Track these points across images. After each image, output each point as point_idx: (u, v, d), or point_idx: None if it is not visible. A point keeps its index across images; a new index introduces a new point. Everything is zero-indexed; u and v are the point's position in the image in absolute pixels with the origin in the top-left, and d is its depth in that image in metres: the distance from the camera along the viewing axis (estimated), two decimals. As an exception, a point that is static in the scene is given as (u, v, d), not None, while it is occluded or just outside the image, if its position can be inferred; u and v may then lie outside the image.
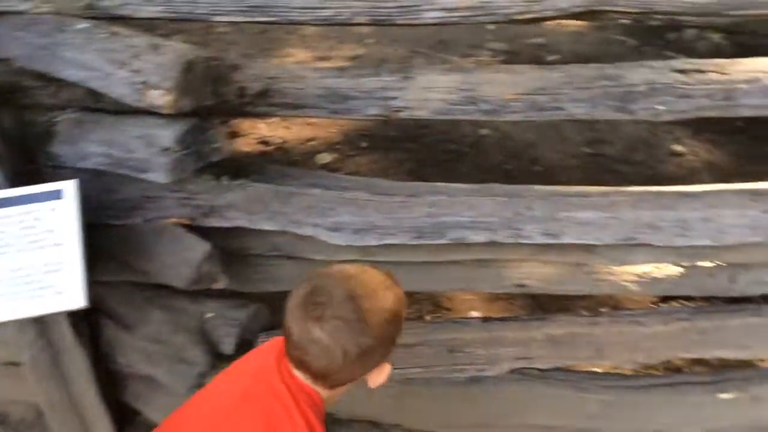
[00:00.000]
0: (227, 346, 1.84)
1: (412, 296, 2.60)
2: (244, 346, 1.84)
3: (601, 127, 3.79)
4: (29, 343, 1.79)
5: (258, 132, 3.88)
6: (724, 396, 1.96)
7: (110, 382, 2.04)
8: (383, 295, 1.17)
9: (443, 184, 1.82)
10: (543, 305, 2.56)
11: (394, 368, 1.95)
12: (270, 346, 1.31)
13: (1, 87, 1.74)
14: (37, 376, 1.88)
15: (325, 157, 3.62)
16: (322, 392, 1.19)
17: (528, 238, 1.73)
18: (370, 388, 1.24)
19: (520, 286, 1.94)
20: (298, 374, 1.18)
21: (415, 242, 1.75)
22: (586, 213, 1.73)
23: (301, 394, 1.17)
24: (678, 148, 3.66)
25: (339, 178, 1.88)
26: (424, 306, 2.60)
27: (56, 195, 1.53)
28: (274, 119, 3.81)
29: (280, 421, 1.16)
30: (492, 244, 1.76)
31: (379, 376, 1.21)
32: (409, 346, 1.96)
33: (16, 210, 1.52)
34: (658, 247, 1.74)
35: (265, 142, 3.77)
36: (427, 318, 2.52)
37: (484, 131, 3.80)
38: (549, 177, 3.37)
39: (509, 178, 3.38)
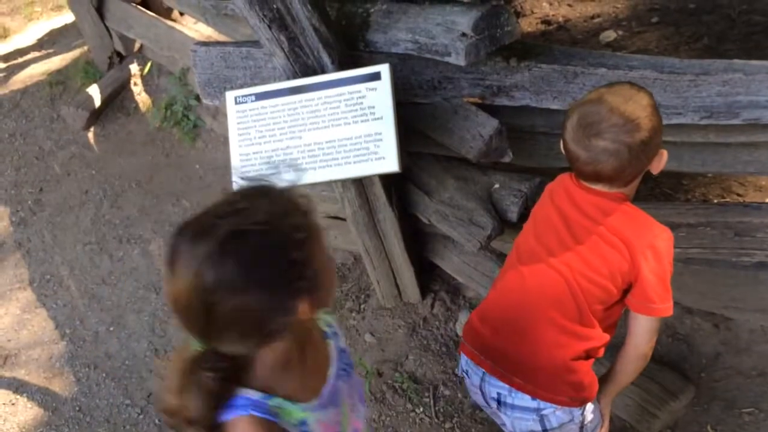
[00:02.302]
0: (512, 214, 2.03)
1: (696, 179, 2.54)
2: (527, 215, 2.02)
3: None
4: (351, 200, 2.18)
5: (541, 11, 3.85)
6: None
7: (414, 238, 2.40)
8: (637, 96, 1.35)
9: (740, 60, 1.71)
10: None
11: (675, 248, 2.01)
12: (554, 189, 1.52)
13: (325, -18, 2.03)
14: (357, 229, 2.29)
15: (610, 35, 3.49)
16: (621, 191, 1.42)
17: (840, 119, 1.59)
18: (653, 173, 1.42)
19: (827, 172, 1.80)
20: (596, 186, 1.41)
21: (704, 122, 1.71)
22: None
23: (611, 196, 1.41)
24: None
25: (626, 57, 1.87)
26: (711, 190, 2.51)
27: (376, 76, 1.81)
28: (558, -3, 3.75)
29: (636, 216, 1.41)
30: (795, 125, 1.66)
31: (659, 163, 1.40)
32: (692, 226, 1.96)
33: (346, 89, 1.84)
34: None
35: (547, 22, 3.74)
36: (714, 201, 2.44)
37: (804, -2, 3.30)
38: None
39: (831, 52, 2.94)
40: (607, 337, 1.48)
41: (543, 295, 1.45)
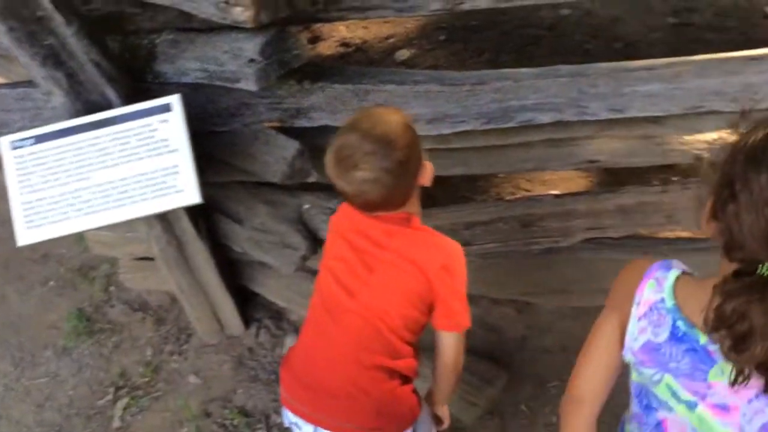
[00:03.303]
0: (324, 232, 2.06)
1: (490, 180, 2.76)
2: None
3: (689, -6, 3.62)
4: (158, 237, 2.09)
5: (338, 34, 3.99)
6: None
7: (230, 269, 2.35)
8: (387, 117, 1.38)
9: (509, 69, 1.90)
10: (622, 180, 2.62)
11: (473, 245, 2.16)
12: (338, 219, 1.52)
13: (107, 16, 1.94)
14: (167, 267, 2.20)
15: (404, 54, 3.70)
16: (403, 211, 1.41)
17: (594, 115, 1.80)
18: (426, 185, 1.42)
19: (591, 162, 2.03)
20: (376, 213, 1.40)
21: (485, 127, 1.85)
22: (651, 85, 1.76)
23: (395, 219, 1.40)
24: (773, 9, 3.45)
25: (411, 73, 1.99)
26: (504, 188, 2.73)
27: (166, 108, 1.76)
28: (353, 21, 3.89)
29: (422, 238, 1.41)
30: (559, 124, 1.85)
31: (426, 175, 1.41)
32: (486, 223, 2.13)
33: (135, 124, 1.76)
34: (727, 113, 1.78)
35: (345, 44, 3.87)
36: (506, 198, 2.66)
37: (565, 11, 3.73)
38: (632, 53, 3.31)
39: (589, 57, 3.34)
40: (417, 358, 1.51)
41: (348, 343, 1.43)
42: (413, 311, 1.42)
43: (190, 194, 1.76)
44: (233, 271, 2.39)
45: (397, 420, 1.49)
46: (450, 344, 1.47)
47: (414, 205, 1.45)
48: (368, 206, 1.38)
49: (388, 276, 1.40)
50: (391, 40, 3.86)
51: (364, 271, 1.42)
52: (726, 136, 1.00)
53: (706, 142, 1.94)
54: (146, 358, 2.49)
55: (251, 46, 1.72)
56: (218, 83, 1.84)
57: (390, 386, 1.45)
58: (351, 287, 1.43)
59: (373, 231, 1.42)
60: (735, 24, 3.47)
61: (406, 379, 1.49)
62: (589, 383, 1.13)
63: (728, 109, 1.75)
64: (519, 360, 2.24)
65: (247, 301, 2.47)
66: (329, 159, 1.36)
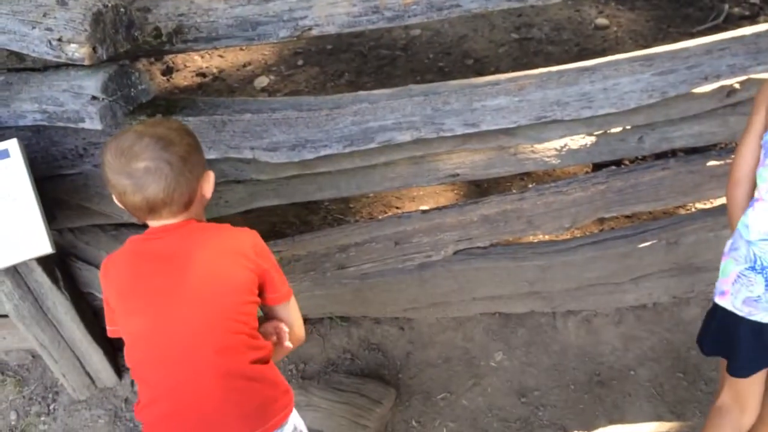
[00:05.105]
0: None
1: (361, 200, 2.79)
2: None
3: (527, 11, 3.87)
4: (9, 294, 1.93)
5: (194, 64, 3.89)
6: (643, 245, 2.20)
7: (95, 317, 2.20)
8: (161, 122, 1.47)
9: (364, 92, 1.93)
10: (488, 191, 2.74)
11: (349, 267, 2.16)
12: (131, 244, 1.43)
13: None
14: (24, 324, 2.03)
15: (264, 81, 3.67)
16: (189, 218, 1.39)
17: (450, 131, 1.87)
18: (208, 197, 1.41)
19: (453, 176, 2.10)
20: (166, 222, 1.36)
21: (347, 150, 1.87)
22: (498, 99, 1.86)
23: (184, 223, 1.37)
24: (602, 21, 3.76)
25: (267, 101, 1.97)
26: (375, 208, 2.77)
27: (4, 154, 1.63)
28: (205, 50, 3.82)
29: (221, 230, 1.41)
30: (419, 141, 1.90)
31: (208, 184, 1.40)
32: (359, 244, 2.14)
33: (-33, 190, 1.62)
34: (568, 121, 1.91)
35: (202, 74, 3.79)
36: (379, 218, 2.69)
37: (416, 32, 3.86)
38: (481, 68, 3.48)
39: (443, 74, 3.48)
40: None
41: (209, 365, 1.33)
42: (249, 296, 1.38)
43: (40, 244, 1.64)
44: (100, 319, 2.24)
45: (282, 396, 1.42)
46: (291, 314, 1.48)
47: (200, 215, 1.42)
48: (150, 207, 1.32)
49: (215, 280, 1.34)
50: (249, 68, 3.82)
51: (185, 292, 1.33)
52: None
53: (555, 149, 2.07)
54: (11, 423, 2.29)
55: (92, 84, 1.63)
56: (60, 124, 1.73)
57: (268, 374, 1.41)
58: (176, 314, 1.32)
59: (174, 247, 1.35)
60: (570, 36, 3.75)
61: (267, 360, 1.43)
62: (745, 167, 1.55)
63: (569, 118, 1.88)
64: (405, 377, 2.26)
65: (118, 350, 2.32)
66: (107, 156, 1.32)
